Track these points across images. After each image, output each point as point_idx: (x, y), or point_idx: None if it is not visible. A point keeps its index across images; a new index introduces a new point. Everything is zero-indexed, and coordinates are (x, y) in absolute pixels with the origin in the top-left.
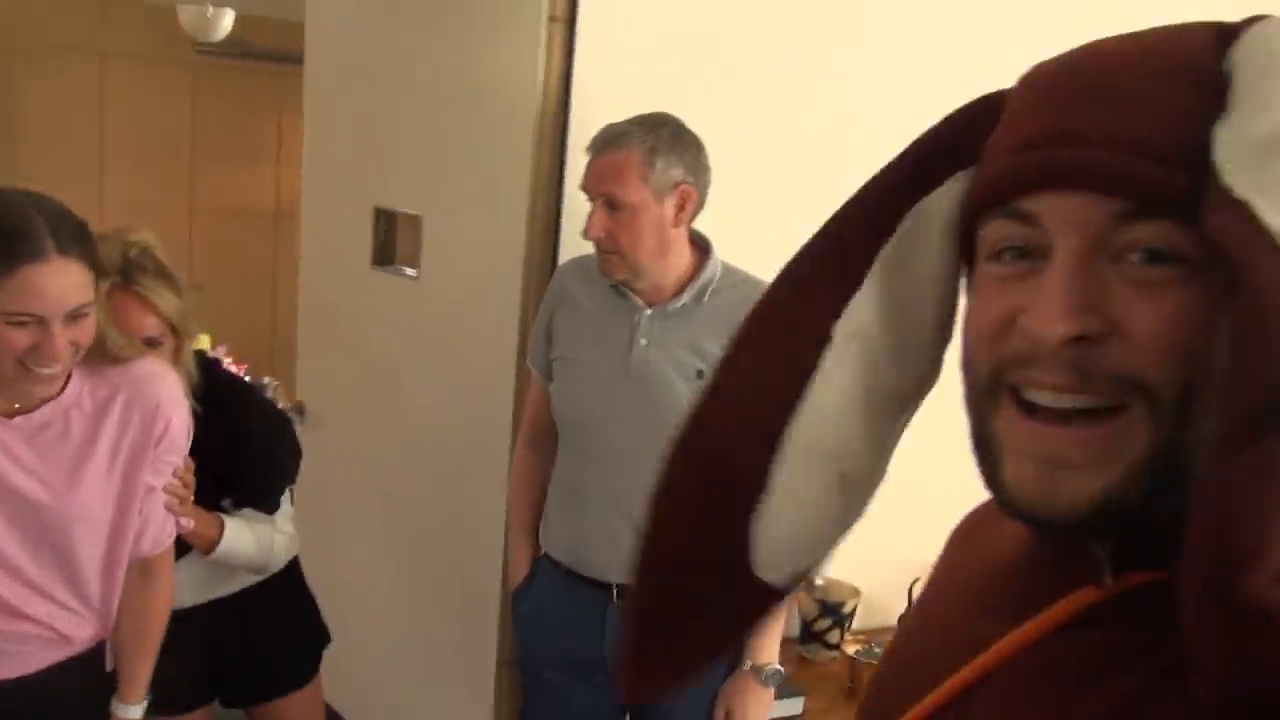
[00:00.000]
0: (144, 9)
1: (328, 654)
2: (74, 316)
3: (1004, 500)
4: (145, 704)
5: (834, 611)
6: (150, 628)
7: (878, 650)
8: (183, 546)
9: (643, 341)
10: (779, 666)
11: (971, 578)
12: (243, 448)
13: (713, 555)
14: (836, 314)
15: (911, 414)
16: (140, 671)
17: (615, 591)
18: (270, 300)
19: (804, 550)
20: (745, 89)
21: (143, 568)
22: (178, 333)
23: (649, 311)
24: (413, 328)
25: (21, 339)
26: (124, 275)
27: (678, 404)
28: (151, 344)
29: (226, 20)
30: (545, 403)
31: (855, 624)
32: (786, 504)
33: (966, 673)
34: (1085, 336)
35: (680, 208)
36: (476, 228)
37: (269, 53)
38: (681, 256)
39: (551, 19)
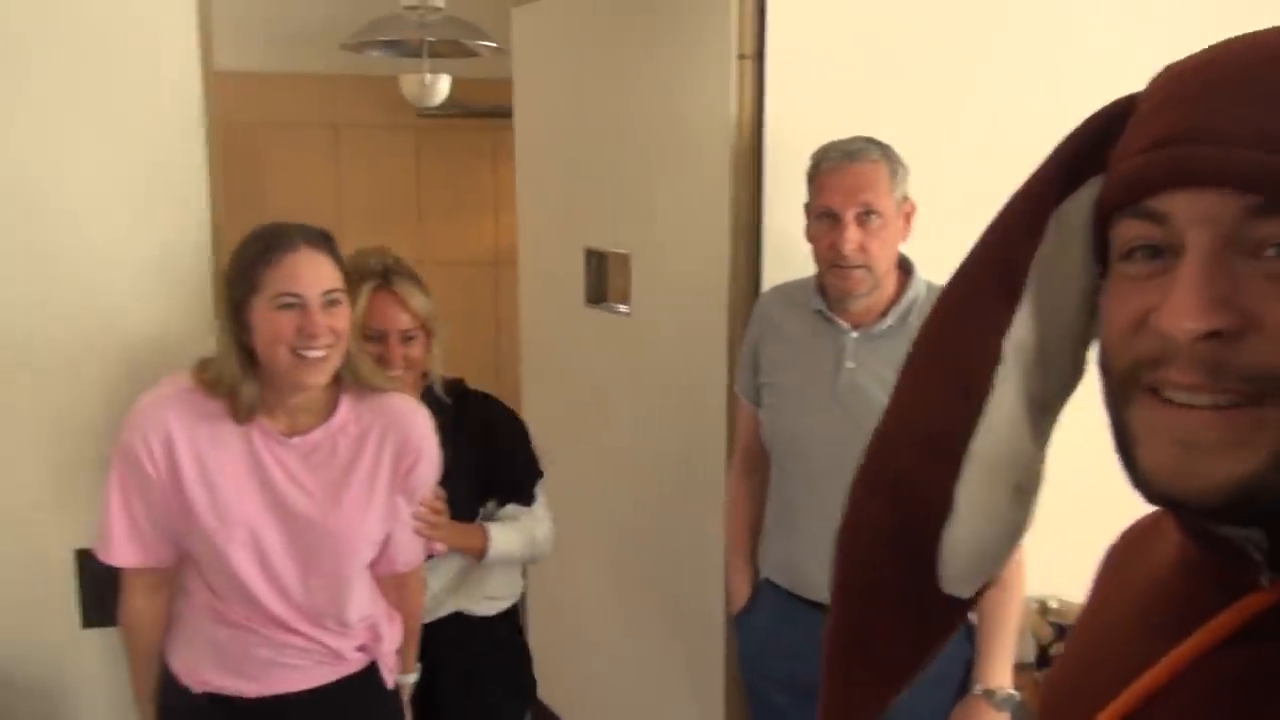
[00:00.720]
0: (370, 82)
1: (560, 684)
2: (329, 302)
3: (1142, 486)
4: (418, 671)
5: None
6: (413, 623)
7: None
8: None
9: (849, 364)
10: (1013, 691)
11: (1132, 596)
12: (495, 444)
13: (904, 577)
14: (1004, 330)
15: (1056, 417)
16: (411, 648)
17: None
18: (494, 343)
19: (988, 561)
20: (937, 109)
21: (397, 582)
22: (427, 330)
23: (855, 334)
24: (627, 362)
25: (288, 322)
26: (384, 277)
27: None
28: (406, 338)
29: (444, 85)
30: (756, 428)
31: None
32: (970, 520)
33: (1134, 693)
34: (1219, 333)
35: (906, 221)
36: (682, 262)
37: (482, 110)
38: (894, 275)
39: (741, 56)
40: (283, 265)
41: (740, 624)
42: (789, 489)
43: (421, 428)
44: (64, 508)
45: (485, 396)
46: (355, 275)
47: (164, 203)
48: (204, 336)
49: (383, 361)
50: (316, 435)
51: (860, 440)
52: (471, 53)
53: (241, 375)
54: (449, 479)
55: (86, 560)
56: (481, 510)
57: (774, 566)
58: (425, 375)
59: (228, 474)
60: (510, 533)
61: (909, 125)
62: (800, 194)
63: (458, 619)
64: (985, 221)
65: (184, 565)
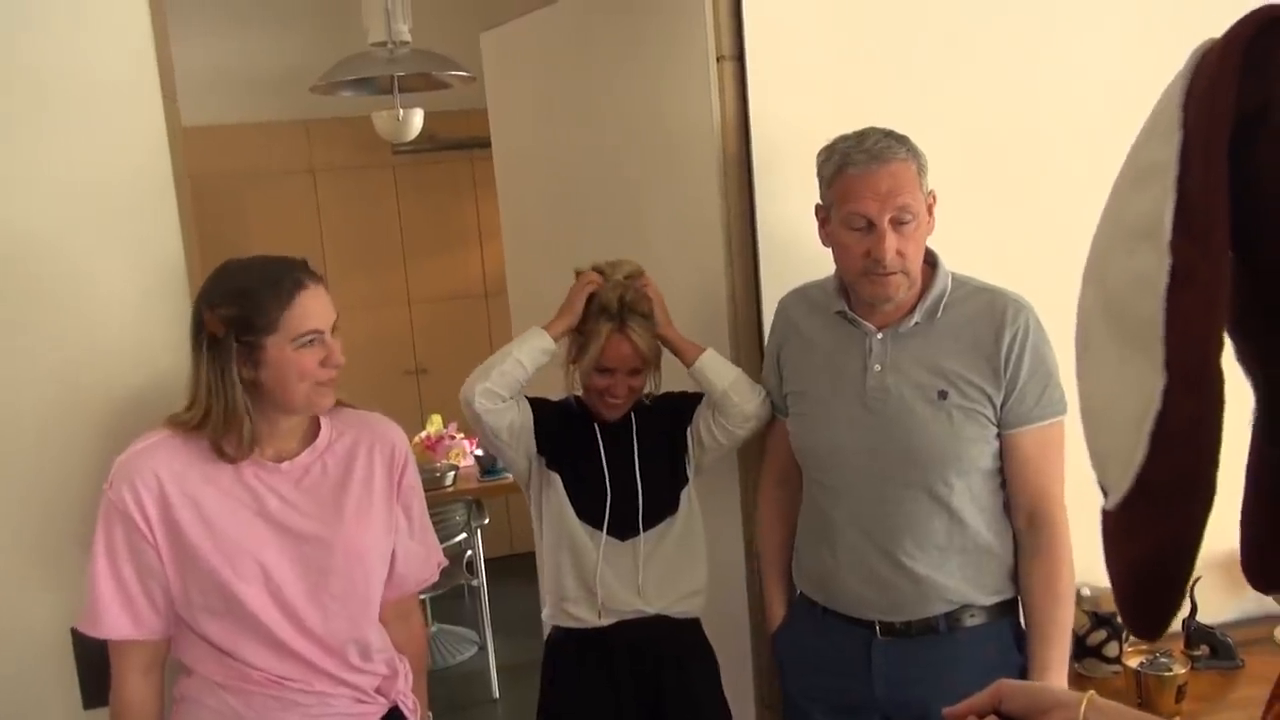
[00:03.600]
0: (344, 123)
1: None
2: (333, 330)
3: None
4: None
5: (1108, 623)
6: (420, 663)
7: (1165, 660)
8: (622, 552)
9: (876, 367)
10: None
11: None
12: (672, 398)
13: None
14: None
15: None
16: (422, 689)
17: (877, 629)
18: None
19: None
20: (922, 98)
21: (403, 610)
22: (654, 361)
23: (880, 335)
24: None
25: (311, 357)
26: (620, 320)
27: (921, 429)
28: (633, 372)
29: (417, 120)
30: (785, 439)
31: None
32: None
33: None
34: None
35: (931, 214)
36: (678, 276)
37: (459, 141)
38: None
39: (720, 58)
40: (299, 305)
41: (778, 641)
42: (822, 501)
43: (401, 437)
44: (57, 587)
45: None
46: (596, 309)
47: (139, 266)
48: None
49: (610, 391)
50: (305, 458)
51: (893, 445)
52: (443, 84)
53: (245, 413)
54: (662, 453)
55: (82, 639)
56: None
57: (810, 582)
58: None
59: (225, 511)
60: (723, 360)
61: (896, 116)
62: (793, 193)
63: (664, 622)
64: (975, 210)
65: (180, 642)
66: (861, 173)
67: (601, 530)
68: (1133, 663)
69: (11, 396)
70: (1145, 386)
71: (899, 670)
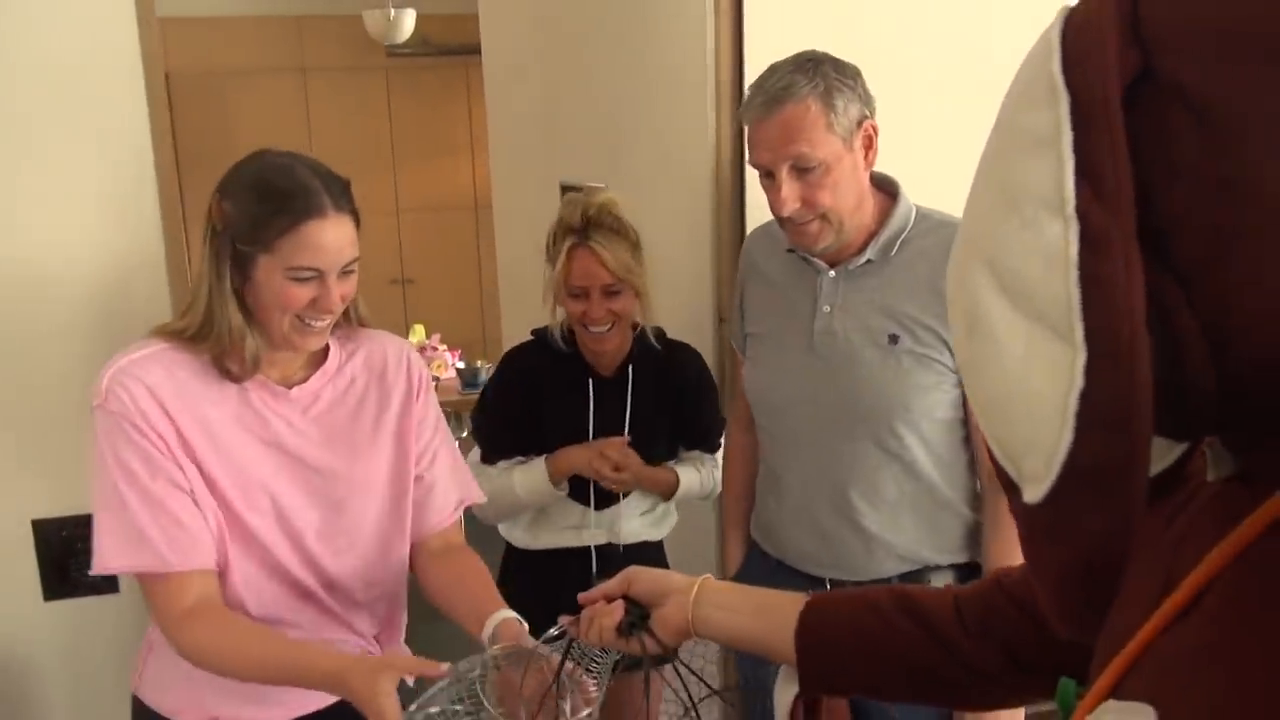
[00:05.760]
0: (335, 21)
1: None
2: (345, 271)
3: None
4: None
5: None
6: (481, 571)
7: None
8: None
9: (826, 308)
10: None
11: None
12: (699, 392)
13: None
14: None
15: None
16: (491, 587)
17: (828, 587)
18: (477, 287)
19: None
20: (923, 23)
21: (443, 543)
22: (624, 278)
23: (831, 273)
24: None
25: (302, 294)
26: (581, 234)
27: (869, 376)
28: (609, 293)
29: (409, 21)
30: None
31: None
32: None
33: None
34: None
35: (868, 146)
36: (661, 194)
37: (453, 47)
38: (869, 205)
39: None
40: (305, 234)
41: None
42: (770, 452)
43: (416, 357)
44: (17, 477)
45: (686, 345)
46: (555, 230)
47: (104, 158)
48: (155, 288)
49: (588, 317)
50: (315, 383)
51: (840, 393)
52: None
53: (244, 326)
54: (656, 419)
55: (44, 531)
56: (673, 451)
57: (761, 532)
58: (636, 323)
59: (234, 437)
60: (691, 473)
61: (897, 49)
62: None
63: (641, 545)
64: (976, 140)
65: None
66: (755, 118)
67: (588, 505)
68: None
69: None
70: (1061, 365)
71: None
